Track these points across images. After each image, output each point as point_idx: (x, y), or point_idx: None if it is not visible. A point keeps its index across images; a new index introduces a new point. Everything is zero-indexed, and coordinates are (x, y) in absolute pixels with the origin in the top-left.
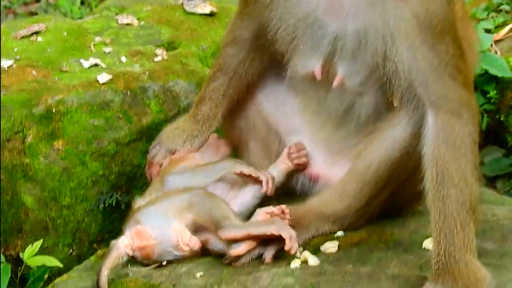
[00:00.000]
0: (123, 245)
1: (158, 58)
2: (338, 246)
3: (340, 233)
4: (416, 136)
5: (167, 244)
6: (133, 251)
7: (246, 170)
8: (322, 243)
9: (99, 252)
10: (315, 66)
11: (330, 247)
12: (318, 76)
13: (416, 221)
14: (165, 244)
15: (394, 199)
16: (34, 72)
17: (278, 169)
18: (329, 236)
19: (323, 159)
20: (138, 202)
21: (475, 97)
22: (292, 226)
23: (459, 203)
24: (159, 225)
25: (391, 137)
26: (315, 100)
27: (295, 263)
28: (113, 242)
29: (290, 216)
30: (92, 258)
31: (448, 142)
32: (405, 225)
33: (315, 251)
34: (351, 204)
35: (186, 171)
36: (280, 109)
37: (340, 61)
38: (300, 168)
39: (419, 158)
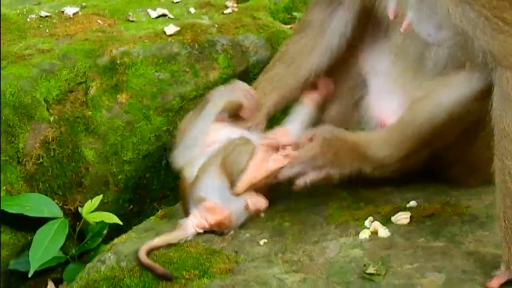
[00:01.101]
0: (193, 226)
1: (228, 10)
2: (410, 217)
3: (412, 203)
4: (469, 99)
5: (239, 210)
6: (210, 227)
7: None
8: (394, 213)
9: (160, 212)
10: (390, 7)
11: (402, 218)
12: (391, 16)
13: (494, 196)
14: (237, 211)
15: (438, 161)
16: (99, 21)
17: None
18: (401, 205)
19: (397, 106)
20: (180, 160)
21: None
22: (334, 159)
23: None
24: (224, 195)
25: (441, 97)
26: (396, 43)
27: (364, 234)
28: (180, 222)
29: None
30: (152, 218)
31: (505, 98)
32: (482, 198)
33: (386, 221)
34: (393, 153)
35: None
36: (369, 50)
37: (409, 6)
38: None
39: (470, 123)
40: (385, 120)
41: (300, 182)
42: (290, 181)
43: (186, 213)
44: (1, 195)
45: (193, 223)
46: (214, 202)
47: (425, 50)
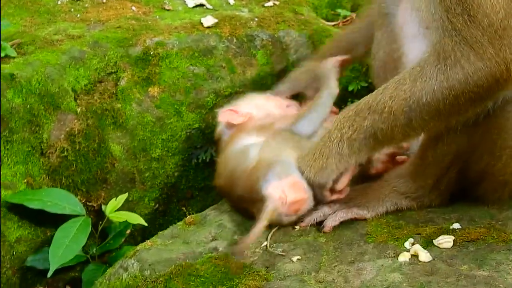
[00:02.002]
0: (277, 197)
1: (269, 3)
2: (454, 241)
3: (456, 225)
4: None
5: (311, 200)
6: (286, 205)
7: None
8: (436, 236)
9: (188, 218)
10: None
11: (445, 241)
12: None
13: None
14: (311, 200)
15: (466, 179)
16: (134, 8)
17: None
18: (444, 227)
19: None
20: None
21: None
22: (369, 197)
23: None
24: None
25: None
26: None
27: (404, 257)
28: (265, 193)
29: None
30: (180, 224)
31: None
32: None
33: (427, 244)
34: (422, 183)
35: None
36: None
37: None
38: None
39: (478, 132)
40: None
41: (329, 223)
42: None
43: (252, 198)
44: (22, 188)
45: (276, 194)
46: (299, 179)
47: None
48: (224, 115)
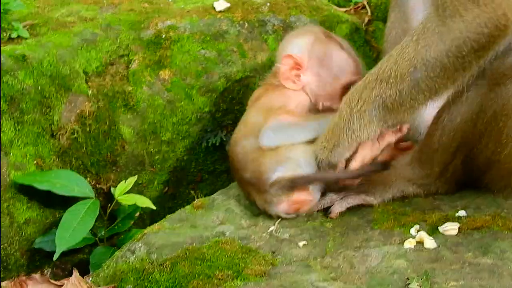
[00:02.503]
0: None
1: None
2: (459, 228)
3: (462, 213)
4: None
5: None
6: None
7: None
8: (441, 223)
9: (196, 202)
10: None
11: (450, 228)
12: None
13: None
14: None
15: (472, 167)
16: None
17: None
18: (449, 214)
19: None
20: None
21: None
22: (376, 184)
23: None
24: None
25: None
26: None
27: (409, 243)
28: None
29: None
30: (188, 208)
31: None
32: None
33: (433, 231)
34: (428, 171)
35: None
36: None
37: None
38: None
39: (483, 119)
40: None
41: (336, 209)
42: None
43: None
44: (31, 169)
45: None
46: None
47: None
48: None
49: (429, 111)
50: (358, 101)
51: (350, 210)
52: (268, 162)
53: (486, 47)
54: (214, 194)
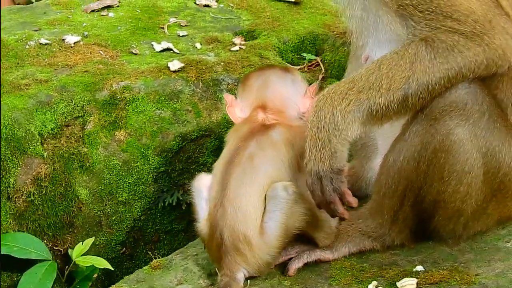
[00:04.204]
0: None
1: (235, 48)
2: (417, 283)
3: (419, 268)
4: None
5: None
6: None
7: None
8: (399, 278)
9: (153, 262)
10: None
11: (408, 284)
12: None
13: (505, 263)
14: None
15: (421, 209)
16: (101, 52)
17: None
18: (407, 269)
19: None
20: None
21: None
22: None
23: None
24: None
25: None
26: None
27: None
28: None
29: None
30: (145, 268)
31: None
32: (492, 266)
33: (391, 287)
34: (380, 220)
35: None
36: None
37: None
38: None
39: (425, 156)
40: None
41: (293, 266)
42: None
43: None
44: None
45: None
46: None
47: None
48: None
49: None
50: (342, 100)
51: (308, 266)
52: None
53: (477, 77)
54: (172, 254)
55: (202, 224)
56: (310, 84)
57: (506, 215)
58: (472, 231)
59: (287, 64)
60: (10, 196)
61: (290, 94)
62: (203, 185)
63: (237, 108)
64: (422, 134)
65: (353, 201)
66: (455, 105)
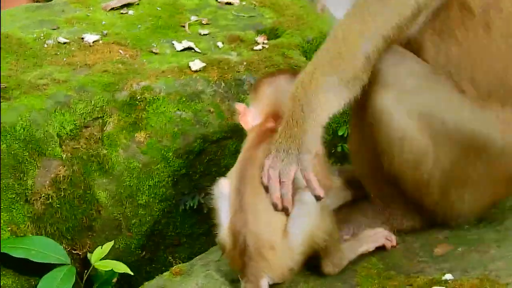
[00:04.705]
0: None
1: (258, 47)
2: None
3: (448, 276)
4: None
5: None
6: None
7: None
8: (427, 287)
9: (174, 268)
10: None
11: None
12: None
13: None
14: None
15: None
16: (121, 51)
17: None
18: (435, 278)
19: None
20: None
21: None
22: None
23: None
24: None
25: None
26: None
27: None
28: None
29: None
30: (166, 274)
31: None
32: None
33: None
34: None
35: None
36: None
37: None
38: None
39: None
40: None
41: None
42: None
43: None
44: (6, 236)
45: None
46: None
47: None
48: None
49: None
50: (311, 82)
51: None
52: None
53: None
54: (193, 259)
55: (224, 231)
56: None
57: (504, 177)
58: (478, 205)
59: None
60: (28, 199)
61: None
62: (224, 191)
63: (250, 117)
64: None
65: (319, 191)
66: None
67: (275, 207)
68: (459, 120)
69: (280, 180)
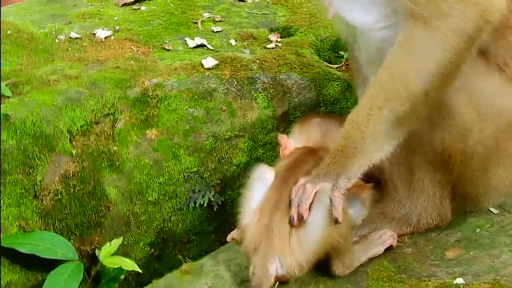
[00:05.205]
0: None
1: (271, 45)
2: None
3: (459, 281)
4: None
5: None
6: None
7: None
8: None
9: (184, 267)
10: None
11: None
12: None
13: None
14: None
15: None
16: (133, 47)
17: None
18: (447, 282)
19: None
20: None
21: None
22: None
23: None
24: None
25: None
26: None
27: None
28: None
29: None
30: (175, 273)
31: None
32: None
33: None
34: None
35: None
36: None
37: None
38: None
39: None
40: None
41: None
42: None
43: None
44: (14, 231)
45: None
46: None
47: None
48: None
49: None
50: (367, 124)
51: (344, 277)
52: None
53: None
54: (203, 258)
55: (248, 210)
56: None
57: None
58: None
59: (325, 63)
60: (37, 194)
61: None
62: (264, 175)
63: (289, 150)
64: None
65: (339, 215)
66: None
67: (290, 219)
68: (500, 96)
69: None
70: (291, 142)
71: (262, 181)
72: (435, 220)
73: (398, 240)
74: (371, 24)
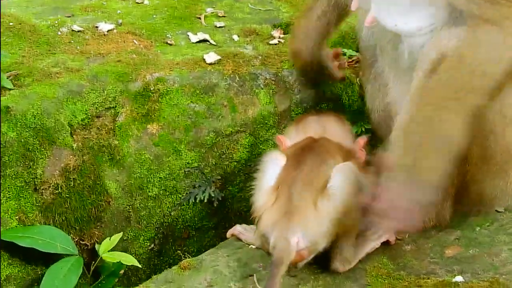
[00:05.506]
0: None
1: (274, 41)
2: None
3: (459, 279)
4: None
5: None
6: None
7: None
8: None
9: (183, 262)
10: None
11: None
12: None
13: None
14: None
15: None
16: (135, 41)
17: None
18: (446, 280)
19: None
20: None
21: None
22: None
23: None
24: None
25: None
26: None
27: None
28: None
29: None
30: (174, 268)
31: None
32: None
33: None
34: None
35: None
36: None
37: None
38: None
39: None
40: None
41: None
42: None
43: None
44: (14, 225)
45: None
46: None
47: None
48: None
49: None
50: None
51: (343, 273)
52: None
53: None
54: (202, 254)
55: (264, 189)
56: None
57: None
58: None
59: None
60: (37, 188)
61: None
62: (276, 159)
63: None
64: None
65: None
66: None
67: None
68: None
69: None
70: (288, 142)
71: (275, 162)
72: (433, 221)
73: (396, 238)
74: (414, 30)
